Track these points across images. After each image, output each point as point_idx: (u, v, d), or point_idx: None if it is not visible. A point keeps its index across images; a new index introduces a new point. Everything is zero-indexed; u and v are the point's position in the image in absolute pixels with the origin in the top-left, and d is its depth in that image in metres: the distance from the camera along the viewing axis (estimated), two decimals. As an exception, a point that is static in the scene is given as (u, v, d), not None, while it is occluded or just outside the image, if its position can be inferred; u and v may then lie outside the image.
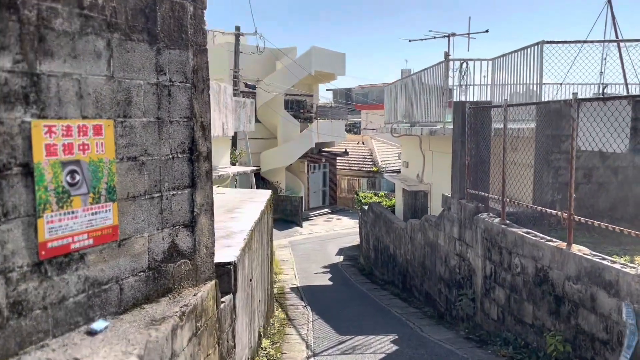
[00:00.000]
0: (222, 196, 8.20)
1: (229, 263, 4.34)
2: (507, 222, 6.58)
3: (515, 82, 8.90)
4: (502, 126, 7.39)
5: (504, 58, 9.24)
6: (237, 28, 19.81)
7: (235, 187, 18.49)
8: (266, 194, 8.41)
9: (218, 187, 9.89)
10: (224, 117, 8.59)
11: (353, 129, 49.38)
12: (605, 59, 9.32)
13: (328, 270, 15.73)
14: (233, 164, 17.39)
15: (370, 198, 17.63)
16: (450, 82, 10.04)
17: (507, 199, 6.60)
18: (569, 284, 5.19)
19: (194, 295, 3.58)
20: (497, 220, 6.70)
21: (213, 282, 3.90)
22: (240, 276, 4.73)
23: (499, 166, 7.05)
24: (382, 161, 31.66)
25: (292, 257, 18.18)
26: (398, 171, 18.67)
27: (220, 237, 5.33)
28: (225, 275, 4.31)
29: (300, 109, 31.12)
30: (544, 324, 5.64)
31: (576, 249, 5.23)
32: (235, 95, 19.52)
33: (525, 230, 6.12)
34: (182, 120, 3.58)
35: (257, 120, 29.05)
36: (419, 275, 9.94)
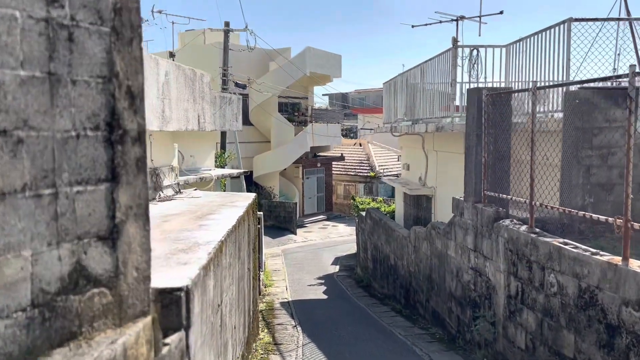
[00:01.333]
0: (197, 200, 7.02)
1: (179, 289, 3.15)
2: (537, 230, 5.42)
3: (534, 70, 7.78)
4: (521, 120, 6.26)
5: (521, 43, 8.13)
6: (227, 24, 18.71)
7: (225, 191, 17.31)
8: (249, 197, 7.24)
9: (196, 189, 8.71)
10: (200, 108, 7.43)
11: (349, 133, 48.32)
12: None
13: (323, 281, 14.53)
14: (222, 166, 16.24)
15: (368, 203, 16.46)
16: (459, 77, 8.91)
17: (537, 203, 5.45)
18: (627, 311, 4.02)
19: (112, 342, 2.39)
20: (524, 228, 5.53)
21: (149, 318, 2.72)
22: (199, 304, 3.54)
23: (522, 164, 5.91)
24: (379, 166, 30.54)
25: (284, 267, 16.97)
26: (397, 176, 17.52)
27: (177, 251, 4.14)
28: (172, 306, 3.12)
29: (294, 111, 30.01)
30: (591, 359, 4.46)
31: (636, 265, 4.07)
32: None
33: (561, 240, 4.95)
34: (93, 81, 2.39)
35: (249, 124, 27.92)
36: (425, 290, 8.76)
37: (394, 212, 15.62)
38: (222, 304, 4.57)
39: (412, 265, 9.55)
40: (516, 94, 6.12)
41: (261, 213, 14.96)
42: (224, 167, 16.17)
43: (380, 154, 32.75)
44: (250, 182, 27.75)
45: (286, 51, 27.44)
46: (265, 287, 13.52)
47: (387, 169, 29.86)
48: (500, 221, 5.90)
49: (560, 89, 6.47)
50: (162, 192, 7.08)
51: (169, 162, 7.49)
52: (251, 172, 27.50)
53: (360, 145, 33.68)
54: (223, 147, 18.05)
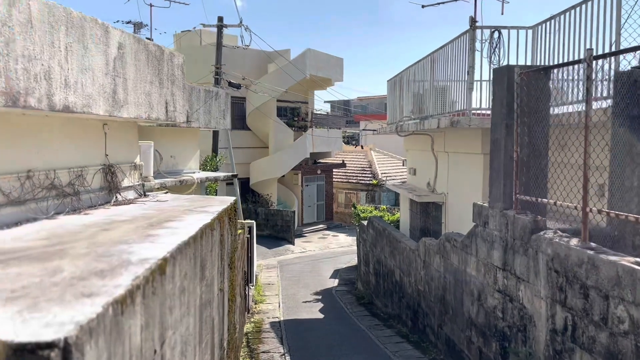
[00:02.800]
0: (161, 204, 5.73)
1: (50, 344, 1.85)
2: (593, 245, 4.11)
3: (569, 54, 6.50)
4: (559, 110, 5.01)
5: (552, 22, 6.87)
6: (220, 19, 17.54)
7: (215, 193, 16.05)
8: (225, 201, 5.95)
9: (166, 192, 7.43)
10: (169, 94, 6.16)
11: (351, 141, 47.13)
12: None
13: (320, 297, 13.18)
14: (214, 170, 14.97)
15: (370, 212, 15.15)
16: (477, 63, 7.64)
17: (591, 209, 4.14)
18: None
19: None
20: (574, 242, 4.22)
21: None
22: (103, 362, 2.23)
23: (562, 161, 4.62)
24: (382, 173, 29.26)
25: (279, 280, 15.63)
26: (402, 183, 16.22)
27: (92, 274, 2.84)
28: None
29: (294, 116, 28.84)
30: None
31: None
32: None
33: (633, 260, 3.64)
34: None
35: (246, 128, 26.74)
36: (437, 313, 7.43)
37: (398, 221, 14.30)
38: (164, 346, 3.27)
39: (421, 283, 8.23)
40: (558, 72, 4.84)
41: (252, 221, 13.66)
42: (216, 171, 14.89)
43: (383, 161, 31.50)
44: (247, 190, 26.51)
45: (285, 53, 26.32)
46: (255, 304, 12.19)
47: (390, 176, 28.59)
48: (541, 233, 4.60)
49: (610, 66, 5.18)
50: (120, 195, 5.81)
51: (131, 159, 6.24)
52: (247, 179, 26.26)
53: (362, 147, 32.43)
54: (215, 150, 16.81)
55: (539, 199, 4.84)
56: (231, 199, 6.27)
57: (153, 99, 5.84)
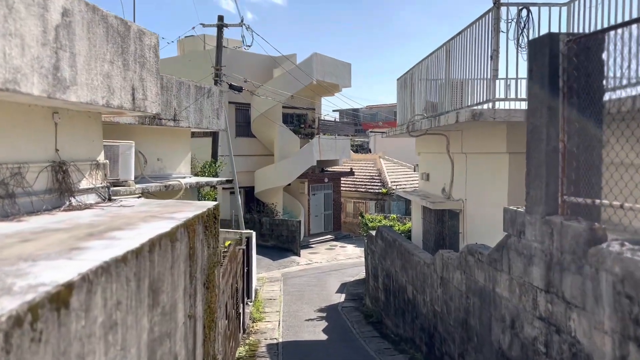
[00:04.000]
0: (122, 210, 4.69)
1: None
2: (683, 262, 2.99)
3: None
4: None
5: (593, -7, 5.79)
6: (220, 18, 16.67)
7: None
8: (202, 206, 4.92)
9: (139, 196, 6.43)
10: (137, 79, 5.18)
11: (360, 149, 46.10)
12: None
13: (324, 315, 12.05)
14: (214, 176, 13.99)
15: (379, 221, 14.03)
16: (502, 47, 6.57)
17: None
18: None
19: None
20: (654, 257, 3.11)
21: None
22: None
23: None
24: (392, 182, 28.13)
25: (281, 294, 14.52)
26: (413, 190, 15.10)
27: None
28: None
29: (301, 123, 27.91)
30: None
31: None
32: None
33: None
34: None
35: (251, 135, 25.82)
36: (458, 340, 6.29)
37: (409, 231, 13.18)
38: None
39: (437, 303, 7.09)
40: (622, 35, 3.74)
41: (250, 231, 12.61)
42: (216, 177, 13.89)
43: (392, 169, 30.39)
44: (252, 199, 25.50)
45: (292, 57, 25.44)
46: (253, 322, 11.10)
47: (400, 185, 27.45)
48: (602, 245, 3.49)
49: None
50: (74, 198, 4.81)
51: (91, 157, 5.24)
52: (252, 188, 25.28)
53: (371, 151, 31.35)
54: (214, 156, 15.84)
55: (595, 201, 3.73)
56: (211, 203, 5.22)
57: (115, 82, 4.84)
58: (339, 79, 27.29)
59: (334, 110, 50.62)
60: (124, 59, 5.00)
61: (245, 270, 11.21)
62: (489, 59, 6.60)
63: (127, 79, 5.08)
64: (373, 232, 11.87)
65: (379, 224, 13.72)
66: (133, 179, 8.06)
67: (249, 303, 11.92)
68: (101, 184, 5.44)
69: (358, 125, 50.91)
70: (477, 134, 8.15)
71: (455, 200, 9.44)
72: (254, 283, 13.01)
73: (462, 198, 9.12)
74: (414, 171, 13.47)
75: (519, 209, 4.65)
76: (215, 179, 10.08)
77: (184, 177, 9.71)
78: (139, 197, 6.70)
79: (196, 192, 9.98)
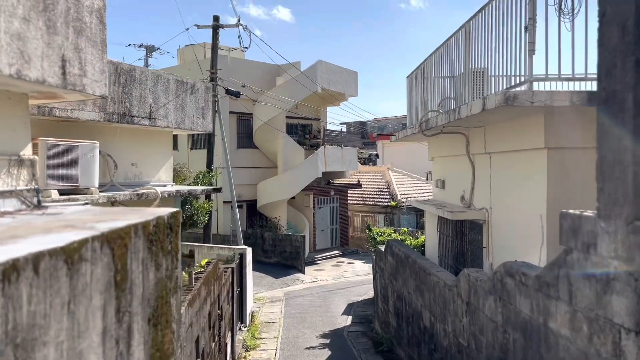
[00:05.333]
0: (40, 218, 3.45)
1: None
2: None
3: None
4: None
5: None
6: (216, 18, 15.60)
7: (209, 215, 13.80)
8: (149, 214, 3.67)
9: (86, 203, 5.19)
10: (71, 47, 3.99)
11: (368, 162, 44.87)
12: None
13: (328, 342, 10.66)
14: (208, 184, 12.76)
15: (389, 235, 12.67)
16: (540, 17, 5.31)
17: None
18: None
19: None
20: None
21: None
22: None
23: None
24: (401, 194, 26.76)
25: (282, 317, 13.16)
26: (427, 200, 13.74)
27: None
28: None
29: (305, 134, 26.73)
30: None
31: None
32: (215, 105, 15.11)
33: None
34: None
35: (253, 146, 24.66)
36: (491, 384, 4.89)
37: (423, 246, 11.80)
38: None
39: (462, 335, 5.72)
40: None
41: (244, 247, 11.32)
42: (211, 186, 12.67)
43: (402, 181, 29.04)
44: (254, 213, 24.26)
45: (296, 65, 24.35)
46: (246, 351, 9.74)
47: (410, 197, 26.06)
48: None
49: None
50: (-23, 203, 3.60)
51: (13, 150, 4.05)
52: (255, 202, 24.05)
53: (377, 161, 30.09)
54: (209, 165, 14.66)
55: None
56: (166, 210, 3.98)
57: (32, 47, 3.61)
58: (344, 88, 26.19)
59: (341, 123, 49.44)
60: (47, 18, 3.79)
61: (238, 291, 9.89)
62: (523, 31, 5.32)
63: (54, 46, 3.87)
64: (382, 247, 10.51)
65: (388, 237, 12.39)
66: (97, 185, 6.83)
67: (243, 328, 10.57)
68: (26, 186, 4.21)
69: (365, 137, 49.75)
70: (504, 128, 6.85)
71: (477, 209, 8.10)
72: (250, 305, 11.67)
73: (486, 206, 7.78)
74: (427, 180, 12.15)
75: (586, 213, 3.31)
76: (200, 187, 8.84)
77: (165, 186, 8.47)
78: (85, 204, 5.48)
79: (179, 203, 8.73)
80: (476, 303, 5.23)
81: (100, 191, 7.12)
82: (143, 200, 7.49)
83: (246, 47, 15.60)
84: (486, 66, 6.84)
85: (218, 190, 9.46)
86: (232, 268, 8.65)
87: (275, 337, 11.04)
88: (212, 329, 6.18)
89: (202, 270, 5.71)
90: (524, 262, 4.42)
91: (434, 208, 8.82)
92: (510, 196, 6.97)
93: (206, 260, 5.81)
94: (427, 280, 7.08)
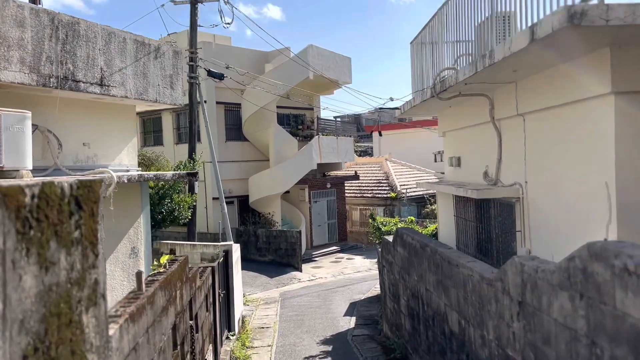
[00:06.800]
0: None
1: None
2: None
3: None
4: None
5: None
6: (194, -8, 14.06)
7: (192, 210, 12.30)
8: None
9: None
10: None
11: (364, 155, 43.42)
12: None
13: (330, 349, 9.22)
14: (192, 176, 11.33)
15: (395, 224, 11.22)
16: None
17: None
18: None
19: None
20: None
21: None
22: None
23: None
24: (401, 185, 25.37)
25: (277, 321, 11.71)
26: (439, 180, 12.31)
27: None
28: None
29: (298, 124, 25.26)
30: None
31: None
32: (191, 89, 13.63)
33: None
34: None
35: (243, 139, 23.16)
36: (565, 416, 3.47)
37: (435, 235, 10.39)
38: None
39: (513, 346, 4.29)
40: None
41: (231, 243, 9.84)
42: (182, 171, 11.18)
43: (401, 171, 27.65)
44: (246, 209, 22.77)
45: (285, 51, 22.82)
46: (235, 364, 8.27)
47: (410, 188, 24.70)
48: None
49: None
50: None
51: None
52: (246, 197, 22.56)
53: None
54: (191, 155, 13.17)
55: None
56: (70, 179, 2.56)
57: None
58: (338, 74, 24.73)
59: (335, 116, 48.09)
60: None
61: (223, 294, 8.44)
62: None
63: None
64: (389, 238, 9.07)
65: (394, 227, 10.96)
66: (30, 167, 5.33)
67: (231, 337, 9.11)
68: None
69: (361, 130, 48.29)
70: (545, 78, 5.41)
71: (506, 185, 6.67)
72: (239, 310, 10.20)
73: (520, 182, 6.35)
74: (435, 161, 10.73)
75: None
76: (169, 173, 7.34)
77: (128, 170, 6.98)
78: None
79: (147, 191, 7.23)
80: (536, 302, 3.78)
81: (39, 175, 5.64)
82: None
83: (228, 24, 14.14)
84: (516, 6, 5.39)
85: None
86: (213, 267, 7.18)
87: (269, 345, 9.58)
88: (180, 346, 4.72)
89: (161, 271, 4.27)
90: (620, 242, 2.98)
91: (453, 188, 7.38)
92: (554, 166, 5.54)
93: (167, 257, 4.35)
94: (454, 274, 5.64)
